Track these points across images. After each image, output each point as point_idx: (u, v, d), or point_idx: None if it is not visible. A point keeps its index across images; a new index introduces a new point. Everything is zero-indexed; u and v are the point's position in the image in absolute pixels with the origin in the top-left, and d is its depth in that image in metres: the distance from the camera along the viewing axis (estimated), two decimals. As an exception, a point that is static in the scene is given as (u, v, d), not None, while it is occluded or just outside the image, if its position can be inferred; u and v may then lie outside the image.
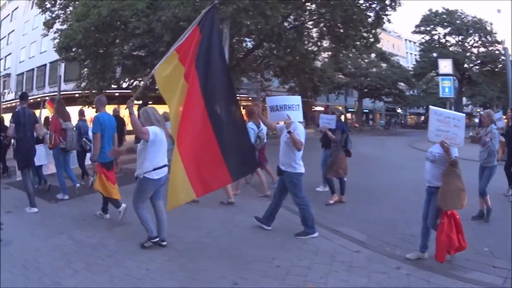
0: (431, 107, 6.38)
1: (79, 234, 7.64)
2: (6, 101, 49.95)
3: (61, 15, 29.18)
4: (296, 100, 7.87)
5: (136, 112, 6.76)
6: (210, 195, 9.84)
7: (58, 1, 28.92)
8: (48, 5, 29.17)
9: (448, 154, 5.82)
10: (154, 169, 6.65)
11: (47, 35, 30.33)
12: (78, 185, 11.02)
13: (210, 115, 6.17)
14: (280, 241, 7.32)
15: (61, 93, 32.30)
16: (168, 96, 6.50)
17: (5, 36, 64.35)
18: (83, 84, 29.83)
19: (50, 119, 12.24)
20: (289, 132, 7.31)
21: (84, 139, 10.92)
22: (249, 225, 8.19)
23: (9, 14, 65.59)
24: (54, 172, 11.77)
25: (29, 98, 43.27)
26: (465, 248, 6.11)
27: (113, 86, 30.18)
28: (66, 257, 6.46)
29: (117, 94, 32.33)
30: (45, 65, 49.55)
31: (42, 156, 11.74)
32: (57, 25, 28.91)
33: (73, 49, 25.64)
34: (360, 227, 8.09)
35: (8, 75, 59.36)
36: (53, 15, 29.30)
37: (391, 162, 20.44)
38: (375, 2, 26.66)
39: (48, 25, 29.28)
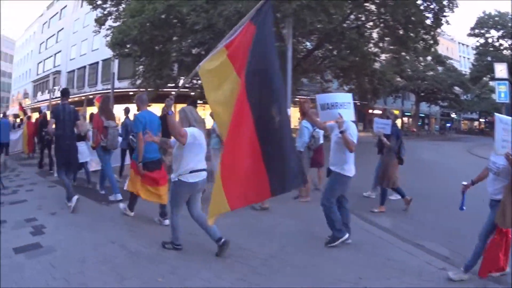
0: (496, 114, 5.66)
1: (133, 243, 6.77)
2: (56, 97, 49.89)
3: (114, 12, 28.98)
4: (347, 97, 7.24)
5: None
6: (283, 202, 9.39)
7: (109, -2, 28.67)
8: (99, 2, 28.92)
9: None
10: (190, 172, 6.11)
11: (99, 32, 30.12)
12: (103, 192, 10.43)
13: (256, 122, 5.29)
14: (363, 256, 6.52)
15: (115, 90, 31.84)
16: (211, 93, 5.79)
17: (54, 34, 66.69)
18: (138, 82, 29.41)
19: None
20: (341, 132, 6.68)
21: (130, 136, 10.28)
22: (326, 236, 7.12)
23: (57, 13, 67.67)
24: (98, 169, 11.72)
25: (81, 95, 43.68)
26: (505, 270, 5.64)
27: (169, 84, 29.33)
28: (118, 271, 5.58)
29: (173, 92, 31.48)
30: (97, 62, 50.02)
31: (85, 153, 11.63)
32: (110, 22, 28.69)
33: (128, 45, 25.06)
34: (439, 240, 7.53)
35: (58, 72, 60.53)
36: (105, 12, 29.12)
37: (452, 169, 19.53)
38: (433, 3, 25.27)
39: (100, 22, 29.20)
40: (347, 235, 6.87)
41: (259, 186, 5.35)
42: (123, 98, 31.79)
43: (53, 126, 9.00)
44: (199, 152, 6.19)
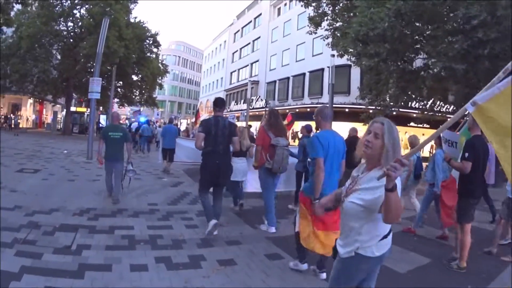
0: None
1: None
2: (253, 108, 48.54)
3: (329, 11, 25.52)
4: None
5: None
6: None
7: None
8: (311, -2, 25.72)
9: None
10: (381, 240, 3.18)
11: (315, 32, 27.00)
12: (269, 228, 8.51)
13: None
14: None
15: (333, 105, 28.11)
16: None
17: (249, 43, 67.47)
18: (368, 96, 24.07)
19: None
20: None
21: (308, 159, 8.21)
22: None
23: (251, 21, 68.34)
24: (258, 191, 10.07)
25: (285, 108, 41.37)
26: None
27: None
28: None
29: (414, 115, 27.68)
30: (303, 74, 46.77)
31: (240, 171, 10.14)
32: (325, 23, 25.83)
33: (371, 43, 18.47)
34: None
35: (256, 82, 59.23)
36: (319, 11, 25.86)
37: None
38: None
39: (314, 21, 26.09)
40: None
41: None
42: (337, 115, 27.49)
43: (203, 141, 7.62)
44: None
